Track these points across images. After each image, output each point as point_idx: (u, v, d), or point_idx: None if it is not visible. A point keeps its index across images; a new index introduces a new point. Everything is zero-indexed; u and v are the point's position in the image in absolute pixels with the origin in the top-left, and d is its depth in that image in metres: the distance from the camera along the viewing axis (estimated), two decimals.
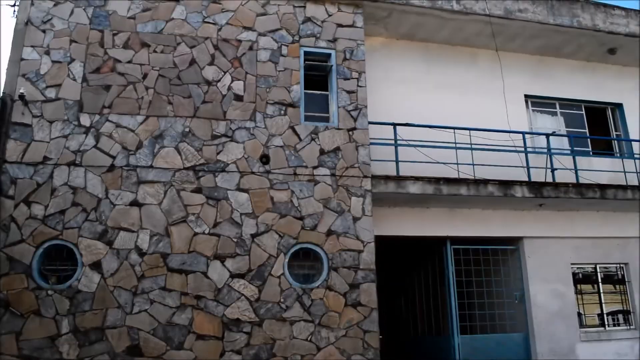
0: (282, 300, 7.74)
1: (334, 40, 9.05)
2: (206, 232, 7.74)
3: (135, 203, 7.64)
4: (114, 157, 7.77)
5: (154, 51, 8.31)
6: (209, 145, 8.08)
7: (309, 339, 7.69)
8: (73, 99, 7.90)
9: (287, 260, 7.89)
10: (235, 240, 7.79)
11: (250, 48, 8.66)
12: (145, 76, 8.18)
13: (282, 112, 8.47)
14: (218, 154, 8.07)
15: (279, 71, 8.66)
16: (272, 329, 7.61)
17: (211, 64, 8.45)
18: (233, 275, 7.66)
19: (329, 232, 8.11)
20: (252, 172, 8.11)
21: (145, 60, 8.25)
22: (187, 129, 8.07)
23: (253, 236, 7.86)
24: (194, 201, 7.82)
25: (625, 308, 10.60)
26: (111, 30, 8.28)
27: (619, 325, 10.57)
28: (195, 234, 7.70)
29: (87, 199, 7.55)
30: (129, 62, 8.20)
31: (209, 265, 7.63)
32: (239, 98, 8.41)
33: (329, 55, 9.00)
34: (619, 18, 11.21)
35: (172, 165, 7.88)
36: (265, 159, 8.19)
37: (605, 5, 11.20)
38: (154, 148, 7.90)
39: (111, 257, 7.40)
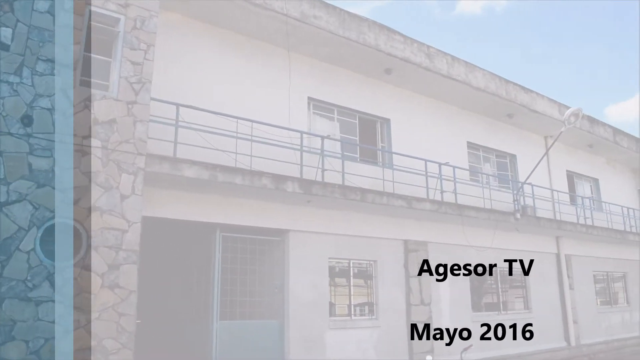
0: (29, 278, 7.03)
1: (126, 5, 8.47)
2: None
3: None
4: None
5: None
6: None
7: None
8: None
9: (39, 234, 7.18)
10: None
11: None
12: None
13: (55, 71, 7.67)
14: None
15: (58, 27, 7.82)
16: (13, 310, 6.84)
17: None
18: None
19: (93, 209, 7.60)
20: (10, 133, 7.19)
21: None
22: None
23: (2, 205, 6.99)
24: None
25: (370, 300, 11.91)
26: None
27: (364, 315, 11.84)
28: None
29: None
30: None
31: None
32: (4, 47, 7.38)
33: (118, 20, 8.40)
34: (398, 43, 12.49)
35: None
36: (27, 120, 7.32)
37: (389, 29, 12.40)
38: None
39: None
